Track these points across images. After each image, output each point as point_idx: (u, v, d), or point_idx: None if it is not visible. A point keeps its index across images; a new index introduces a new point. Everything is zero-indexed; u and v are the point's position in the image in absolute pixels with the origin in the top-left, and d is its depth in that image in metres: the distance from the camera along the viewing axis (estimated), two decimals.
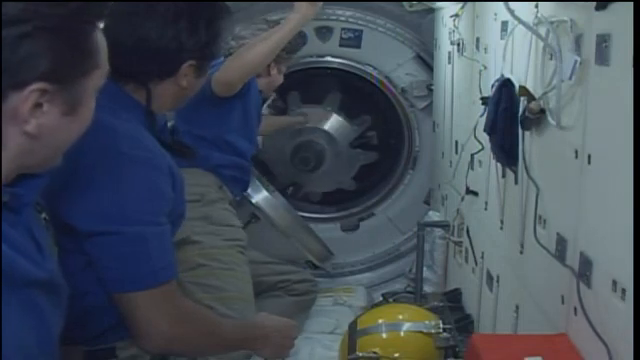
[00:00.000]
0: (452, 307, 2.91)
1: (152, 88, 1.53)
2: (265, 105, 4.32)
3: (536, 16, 1.80)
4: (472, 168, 2.69)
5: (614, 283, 1.33)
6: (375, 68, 3.91)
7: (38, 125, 0.95)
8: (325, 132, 4.25)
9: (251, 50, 2.50)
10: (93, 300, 1.43)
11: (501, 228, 2.24)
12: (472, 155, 2.64)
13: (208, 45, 1.56)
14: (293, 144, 4.19)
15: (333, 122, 4.30)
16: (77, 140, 1.32)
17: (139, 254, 1.38)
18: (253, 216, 3.49)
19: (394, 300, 3.67)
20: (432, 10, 3.69)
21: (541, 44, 1.79)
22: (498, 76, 2.13)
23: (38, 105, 0.94)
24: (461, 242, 2.95)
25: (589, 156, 1.48)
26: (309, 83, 4.34)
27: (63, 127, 1.00)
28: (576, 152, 1.55)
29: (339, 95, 4.34)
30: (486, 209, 2.47)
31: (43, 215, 1.14)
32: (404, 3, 3.74)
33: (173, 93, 1.56)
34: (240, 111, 2.68)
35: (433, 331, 2.49)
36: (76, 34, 0.97)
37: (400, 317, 2.61)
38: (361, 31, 3.81)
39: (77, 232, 1.36)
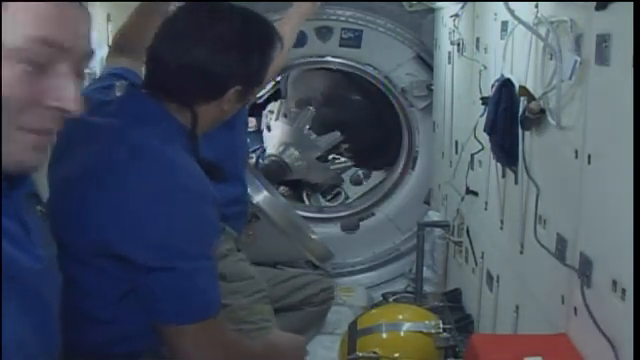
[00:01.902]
0: (452, 307, 2.91)
1: (196, 110, 1.49)
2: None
3: (536, 16, 1.80)
4: (472, 168, 2.69)
5: (614, 283, 1.33)
6: (375, 68, 3.91)
7: None
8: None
9: None
10: (128, 327, 1.43)
11: (501, 228, 2.24)
12: (472, 155, 2.64)
13: (258, 72, 1.53)
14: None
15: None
16: (130, 172, 1.32)
17: (192, 288, 1.38)
18: (253, 216, 3.49)
19: (394, 300, 3.68)
20: (432, 10, 3.70)
21: (541, 44, 1.79)
22: (498, 76, 2.13)
23: None
24: (461, 242, 2.95)
25: (589, 156, 1.48)
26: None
27: None
28: (576, 152, 1.55)
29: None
30: (486, 209, 2.47)
31: (39, 208, 1.13)
32: (404, 3, 3.74)
33: (213, 116, 1.53)
34: (242, 124, 2.47)
35: (433, 331, 2.49)
36: None
37: (400, 317, 2.61)
38: (361, 31, 3.81)
39: (131, 263, 1.34)
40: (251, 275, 2.47)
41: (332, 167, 4.78)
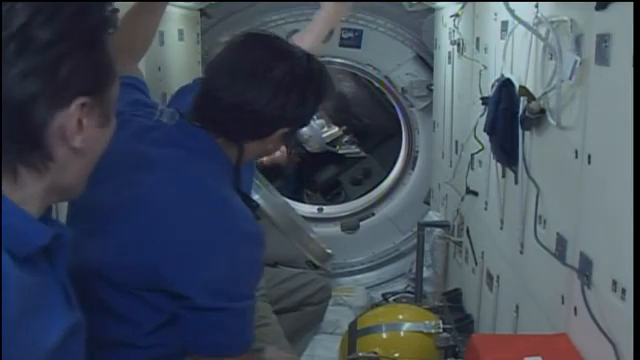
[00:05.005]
0: (452, 307, 2.91)
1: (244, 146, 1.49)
2: None
3: (536, 16, 1.80)
4: (472, 168, 2.69)
5: (614, 283, 1.33)
6: (375, 68, 3.91)
7: (83, 140, 0.96)
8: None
9: None
10: (161, 351, 1.43)
11: (501, 228, 2.24)
12: (472, 155, 2.64)
13: (308, 116, 1.54)
14: None
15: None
16: (191, 211, 1.32)
17: (236, 326, 1.40)
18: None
19: (394, 300, 3.68)
20: (432, 10, 3.70)
21: (541, 44, 1.79)
22: (498, 76, 2.13)
23: (79, 121, 0.95)
24: (461, 242, 2.95)
25: (589, 156, 1.48)
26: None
27: (100, 139, 1.02)
28: (576, 152, 1.55)
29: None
30: (486, 209, 2.47)
31: None
32: (404, 3, 3.75)
33: (255, 152, 1.53)
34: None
35: (433, 331, 2.49)
36: (102, 46, 0.97)
37: (400, 317, 2.61)
38: (361, 31, 3.81)
39: (178, 298, 1.33)
40: None
41: (340, 152, 5.26)
